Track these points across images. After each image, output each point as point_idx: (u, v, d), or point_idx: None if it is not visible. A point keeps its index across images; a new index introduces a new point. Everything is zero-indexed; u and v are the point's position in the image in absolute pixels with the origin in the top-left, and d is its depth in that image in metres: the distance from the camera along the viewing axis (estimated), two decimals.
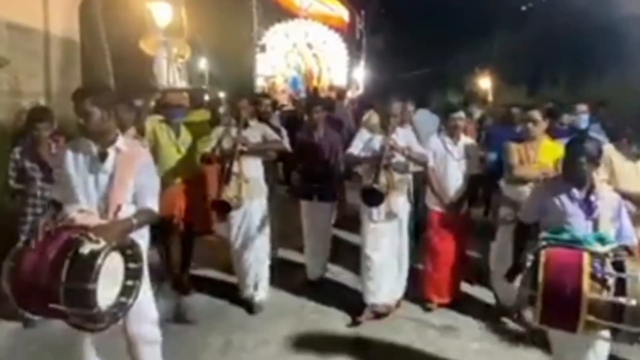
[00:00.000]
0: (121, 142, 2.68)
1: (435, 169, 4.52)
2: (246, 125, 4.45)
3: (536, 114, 4.18)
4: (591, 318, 2.31)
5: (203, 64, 17.49)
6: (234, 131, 4.40)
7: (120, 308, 2.37)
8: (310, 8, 21.24)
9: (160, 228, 4.55)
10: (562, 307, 2.38)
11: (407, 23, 24.28)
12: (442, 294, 4.59)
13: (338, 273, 5.25)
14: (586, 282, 2.32)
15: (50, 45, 8.68)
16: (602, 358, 2.78)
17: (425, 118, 7.45)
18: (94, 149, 2.61)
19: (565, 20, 14.91)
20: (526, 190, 3.91)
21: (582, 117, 5.37)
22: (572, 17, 14.28)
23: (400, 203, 4.31)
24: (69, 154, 2.64)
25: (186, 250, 4.90)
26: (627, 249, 2.56)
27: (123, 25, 10.20)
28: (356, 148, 4.28)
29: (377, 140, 4.21)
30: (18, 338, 3.74)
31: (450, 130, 4.56)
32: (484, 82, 14.19)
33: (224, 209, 4.26)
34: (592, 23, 13.45)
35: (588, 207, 2.80)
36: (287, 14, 21.08)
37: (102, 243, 2.25)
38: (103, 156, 2.61)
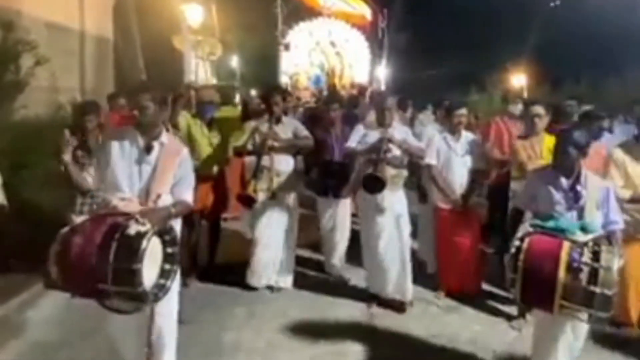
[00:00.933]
0: (165, 136, 2.80)
1: (439, 166, 4.49)
2: (278, 121, 4.55)
3: (540, 109, 4.16)
4: (564, 302, 2.46)
5: (234, 62, 17.70)
6: (265, 126, 4.54)
7: (160, 289, 2.52)
8: (333, 7, 21.32)
9: (190, 218, 4.75)
10: (538, 290, 2.53)
11: (431, 21, 24.20)
12: (455, 288, 4.57)
13: (354, 266, 5.24)
14: (562, 269, 2.45)
15: (85, 43, 9.06)
16: (580, 333, 2.89)
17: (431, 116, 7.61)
18: (141, 141, 2.71)
19: (588, 20, 14.71)
20: None
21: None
22: (594, 17, 14.08)
23: (396, 198, 4.30)
24: (115, 144, 2.73)
25: (214, 238, 5.13)
26: (608, 237, 2.69)
27: (156, 24, 10.47)
28: (352, 142, 4.34)
29: (372, 136, 4.25)
30: (67, 308, 3.96)
31: (453, 127, 4.52)
32: (518, 79, 13.61)
33: (248, 202, 4.43)
34: (614, 22, 13.26)
35: (574, 196, 2.90)
36: (311, 13, 21.21)
37: (148, 225, 2.36)
38: (149, 148, 2.71)
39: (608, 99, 10.55)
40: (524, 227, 2.75)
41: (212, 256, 5.14)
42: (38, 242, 2.61)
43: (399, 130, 4.36)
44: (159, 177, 2.69)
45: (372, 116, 5.32)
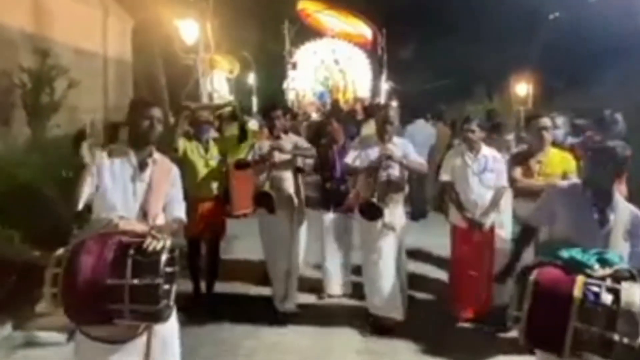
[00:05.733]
0: (156, 154, 2.63)
1: (455, 183, 4.17)
2: (278, 137, 4.36)
3: (547, 121, 3.66)
4: (577, 350, 2.08)
5: (252, 79, 17.93)
6: (264, 143, 4.39)
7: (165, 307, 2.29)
8: (336, 28, 21.82)
9: (196, 242, 4.59)
10: (546, 332, 2.14)
11: (432, 36, 24.62)
12: (469, 310, 4.23)
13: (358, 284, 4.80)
14: (574, 310, 2.05)
15: (108, 66, 9.54)
16: None
17: (420, 128, 7.70)
18: (134, 158, 2.52)
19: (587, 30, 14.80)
20: None
21: (557, 132, 4.63)
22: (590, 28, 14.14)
23: (397, 214, 4.10)
24: (105, 162, 2.48)
25: (213, 264, 4.75)
26: (630, 272, 2.17)
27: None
28: (350, 158, 4.14)
29: (371, 152, 4.03)
30: None
31: (466, 142, 4.19)
32: (521, 89, 12.48)
33: (266, 200, 4.16)
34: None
35: (602, 219, 2.41)
36: (316, 33, 21.79)
37: (163, 241, 2.22)
38: (143, 166, 2.53)
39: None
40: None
41: (212, 283, 4.70)
42: None
43: (399, 145, 4.12)
44: (155, 195, 2.51)
45: (368, 129, 5.42)
